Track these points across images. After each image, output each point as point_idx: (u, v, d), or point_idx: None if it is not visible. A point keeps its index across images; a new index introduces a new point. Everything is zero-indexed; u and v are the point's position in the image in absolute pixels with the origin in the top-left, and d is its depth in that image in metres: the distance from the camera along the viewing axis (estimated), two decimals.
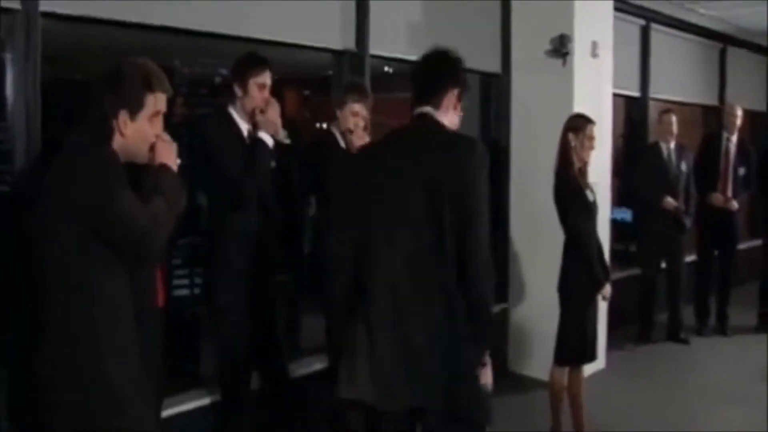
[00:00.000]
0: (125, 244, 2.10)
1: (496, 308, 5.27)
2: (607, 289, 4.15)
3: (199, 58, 5.49)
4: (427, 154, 2.49)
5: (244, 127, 3.55)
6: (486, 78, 5.71)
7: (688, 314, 6.73)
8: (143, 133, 2.23)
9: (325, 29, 4.44)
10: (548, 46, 5.30)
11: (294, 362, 4.18)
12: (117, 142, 2.19)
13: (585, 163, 4.12)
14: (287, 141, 3.61)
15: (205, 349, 4.27)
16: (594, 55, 5.40)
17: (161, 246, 2.19)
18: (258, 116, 3.48)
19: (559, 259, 4.14)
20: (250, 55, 3.59)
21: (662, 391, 5.30)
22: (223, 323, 3.56)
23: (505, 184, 5.70)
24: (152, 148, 2.28)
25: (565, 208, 4.09)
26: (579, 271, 4.06)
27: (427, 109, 2.60)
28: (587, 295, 4.07)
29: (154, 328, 2.77)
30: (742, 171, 6.61)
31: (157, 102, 2.24)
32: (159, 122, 2.28)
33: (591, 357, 4.16)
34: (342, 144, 3.97)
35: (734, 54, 8.77)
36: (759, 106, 9.35)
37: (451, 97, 2.61)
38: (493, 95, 5.76)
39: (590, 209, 4.09)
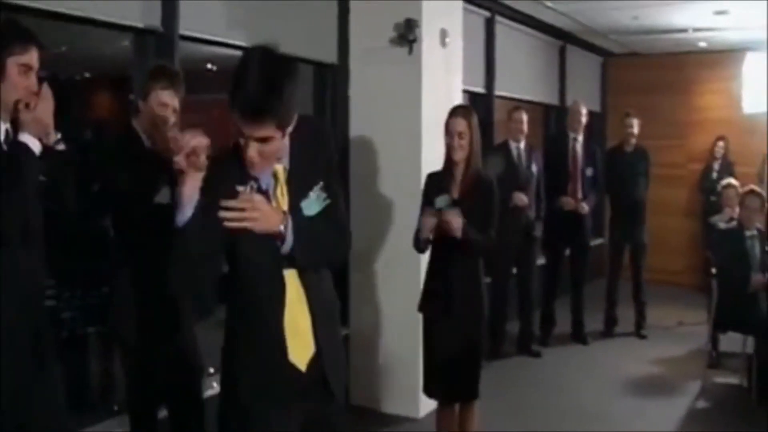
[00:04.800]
0: None
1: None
2: None
3: None
4: None
5: (1, 126, 2.50)
6: (320, 68, 5.00)
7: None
8: None
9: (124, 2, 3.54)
10: (392, 33, 4.67)
11: None
12: None
13: (453, 163, 3.56)
14: (61, 147, 2.58)
15: None
16: (443, 44, 4.83)
17: None
18: (22, 113, 2.46)
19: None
20: (9, 24, 2.53)
21: (529, 414, 4.88)
22: None
23: (343, 185, 4.88)
24: None
25: None
26: None
27: None
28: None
29: None
30: (590, 171, 6.33)
31: None
32: None
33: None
34: (146, 143, 3.15)
35: (573, 53, 8.64)
36: (594, 107, 9.36)
37: None
38: (329, 88, 5.05)
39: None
